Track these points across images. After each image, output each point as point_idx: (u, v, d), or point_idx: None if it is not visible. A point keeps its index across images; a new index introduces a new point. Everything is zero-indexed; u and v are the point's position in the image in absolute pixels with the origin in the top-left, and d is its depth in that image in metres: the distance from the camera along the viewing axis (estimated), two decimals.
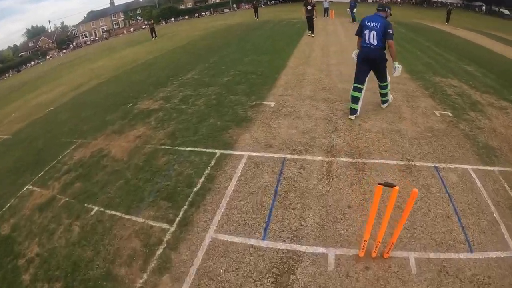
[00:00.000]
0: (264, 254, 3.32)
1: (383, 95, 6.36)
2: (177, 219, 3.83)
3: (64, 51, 52.26)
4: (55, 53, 52.10)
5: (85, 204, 4.45)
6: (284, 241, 3.50)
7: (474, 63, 10.60)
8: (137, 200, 4.28)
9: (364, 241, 3.28)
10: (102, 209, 4.25)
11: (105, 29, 62.16)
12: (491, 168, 4.50)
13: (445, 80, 8.60)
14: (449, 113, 6.40)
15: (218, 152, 5.23)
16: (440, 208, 3.84)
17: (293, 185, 4.38)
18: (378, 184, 2.76)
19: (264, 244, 3.45)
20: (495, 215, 3.66)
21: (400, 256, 3.22)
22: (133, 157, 5.49)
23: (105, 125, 7.38)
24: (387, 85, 6.13)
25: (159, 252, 3.40)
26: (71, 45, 54.90)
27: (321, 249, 3.38)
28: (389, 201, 2.78)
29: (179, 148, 5.53)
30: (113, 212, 4.14)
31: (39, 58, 54.28)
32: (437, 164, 4.85)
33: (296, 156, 5.03)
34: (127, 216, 4.01)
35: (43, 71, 29.22)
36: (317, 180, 4.44)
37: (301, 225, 3.71)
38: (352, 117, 6.10)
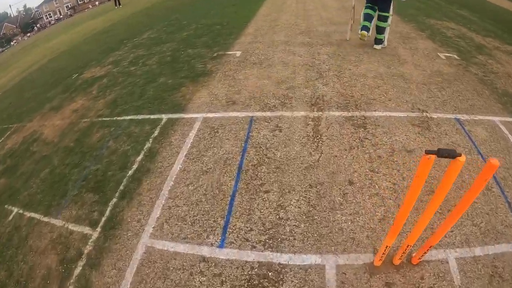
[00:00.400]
0: (223, 272, 2.35)
1: (381, 30, 5.57)
2: (103, 219, 3.01)
3: (28, 34, 48.40)
4: (20, 38, 48.13)
5: (6, 206, 3.74)
6: (254, 247, 2.47)
7: (465, 8, 9.99)
8: (60, 194, 3.53)
9: (386, 247, 1.92)
10: (21, 211, 3.54)
11: (69, 6, 57.89)
12: None
13: (441, 22, 7.90)
14: (455, 56, 5.67)
15: (164, 117, 4.35)
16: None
17: (266, 154, 3.33)
18: (426, 152, 1.46)
19: (223, 254, 2.46)
20: None
21: (435, 259, 2.30)
22: (65, 136, 4.72)
23: (43, 103, 6.56)
24: (388, 17, 5.40)
25: (77, 271, 2.61)
26: (35, 28, 50.81)
27: (313, 258, 2.33)
28: (443, 182, 1.57)
29: (118, 118, 4.70)
30: (32, 214, 3.41)
31: (4, 45, 50.08)
32: (458, 116, 3.79)
33: (268, 114, 4.01)
34: (45, 219, 3.26)
35: (5, 58, 27.64)
36: (300, 145, 3.40)
37: (280, 218, 2.65)
38: (364, 33, 5.49)
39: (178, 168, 3.33)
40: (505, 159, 3.14)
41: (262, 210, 2.71)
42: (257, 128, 3.68)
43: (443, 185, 1.60)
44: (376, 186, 2.80)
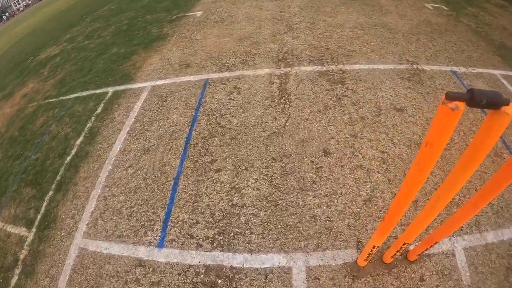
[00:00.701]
0: (162, 279, 1.87)
1: None
2: (38, 217, 2.65)
3: None
4: None
5: None
6: (200, 246, 1.95)
7: None
8: (1, 192, 3.18)
9: (374, 247, 1.41)
10: None
11: None
12: None
13: None
14: (444, 7, 5.13)
15: (110, 90, 3.88)
16: None
17: (219, 123, 2.76)
18: (448, 97, 0.77)
19: (163, 256, 1.99)
20: None
21: (439, 251, 1.83)
22: (12, 125, 4.35)
23: None
24: None
25: (14, 281, 2.29)
26: (4, 17, 48.37)
27: (276, 259, 1.76)
28: (474, 146, 0.99)
29: (64, 97, 4.28)
30: None
31: None
32: (454, 68, 3.27)
33: (226, 74, 3.42)
34: None
35: None
36: (262, 108, 2.82)
37: (233, 204, 2.07)
38: None
39: (118, 149, 2.85)
40: None
41: (211, 195, 2.10)
42: (211, 92, 3.03)
43: (476, 150, 0.97)
44: (360, 155, 2.21)
